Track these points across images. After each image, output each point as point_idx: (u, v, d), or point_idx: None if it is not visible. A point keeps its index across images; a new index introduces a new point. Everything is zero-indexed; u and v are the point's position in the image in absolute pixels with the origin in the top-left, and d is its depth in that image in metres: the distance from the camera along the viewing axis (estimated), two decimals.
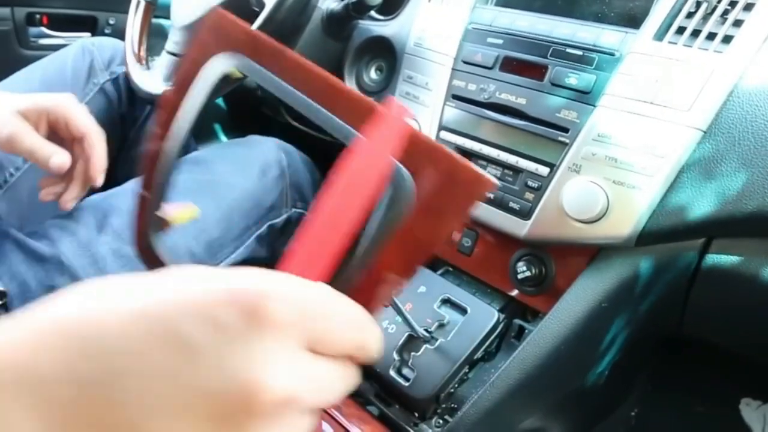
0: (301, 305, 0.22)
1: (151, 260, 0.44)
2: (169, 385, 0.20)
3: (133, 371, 0.20)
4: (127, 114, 0.90)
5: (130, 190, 0.71)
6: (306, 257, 0.27)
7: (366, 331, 0.25)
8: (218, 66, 0.37)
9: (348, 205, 0.28)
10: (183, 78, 0.38)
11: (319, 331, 0.23)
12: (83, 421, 0.20)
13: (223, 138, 1.38)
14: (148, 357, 0.20)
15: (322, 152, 0.98)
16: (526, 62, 0.62)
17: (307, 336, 0.22)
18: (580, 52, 0.58)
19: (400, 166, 0.29)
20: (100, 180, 0.65)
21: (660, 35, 0.55)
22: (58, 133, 0.63)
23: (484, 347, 0.64)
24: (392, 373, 0.64)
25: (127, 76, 0.84)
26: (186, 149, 0.94)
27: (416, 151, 0.29)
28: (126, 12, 0.89)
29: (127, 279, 0.24)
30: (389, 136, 0.29)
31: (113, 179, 0.91)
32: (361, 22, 0.84)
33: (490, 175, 0.40)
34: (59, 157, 0.60)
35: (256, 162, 0.78)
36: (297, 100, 0.35)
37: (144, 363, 0.20)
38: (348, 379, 0.25)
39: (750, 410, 0.91)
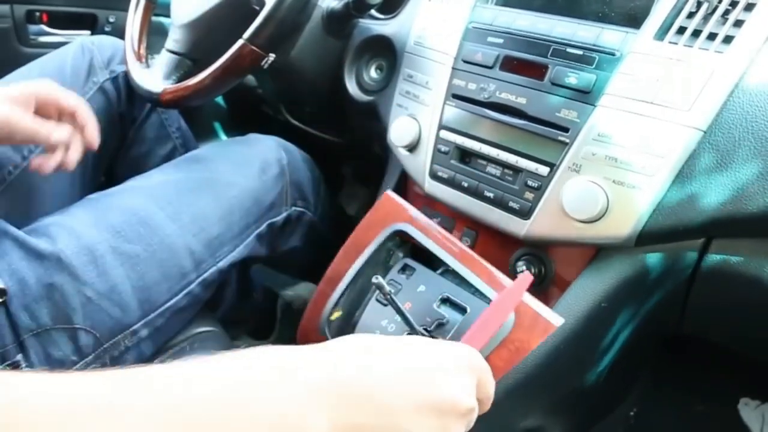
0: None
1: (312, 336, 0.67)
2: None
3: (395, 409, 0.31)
4: (126, 113, 0.90)
5: (129, 188, 0.71)
6: (478, 338, 0.48)
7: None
8: (390, 228, 0.65)
9: (493, 322, 0.50)
10: (357, 241, 0.67)
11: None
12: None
13: (224, 136, 1.38)
14: (417, 421, 0.32)
15: (322, 151, 0.98)
16: (527, 62, 0.61)
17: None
18: (580, 52, 0.58)
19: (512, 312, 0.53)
20: (96, 143, 0.69)
21: (661, 35, 0.54)
22: (45, 114, 0.66)
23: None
24: None
25: (126, 75, 0.84)
26: (187, 149, 0.94)
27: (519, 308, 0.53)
28: (126, 10, 0.88)
29: (383, 344, 0.34)
30: (511, 296, 0.52)
31: (113, 177, 0.91)
32: (361, 20, 0.83)
33: (554, 318, 0.52)
34: (60, 132, 0.64)
35: (256, 160, 0.78)
36: (445, 257, 0.61)
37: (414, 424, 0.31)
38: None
39: (749, 410, 0.91)
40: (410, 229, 0.64)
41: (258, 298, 0.94)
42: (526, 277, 0.54)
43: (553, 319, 0.52)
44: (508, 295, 0.52)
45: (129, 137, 0.91)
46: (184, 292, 0.65)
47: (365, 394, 0.30)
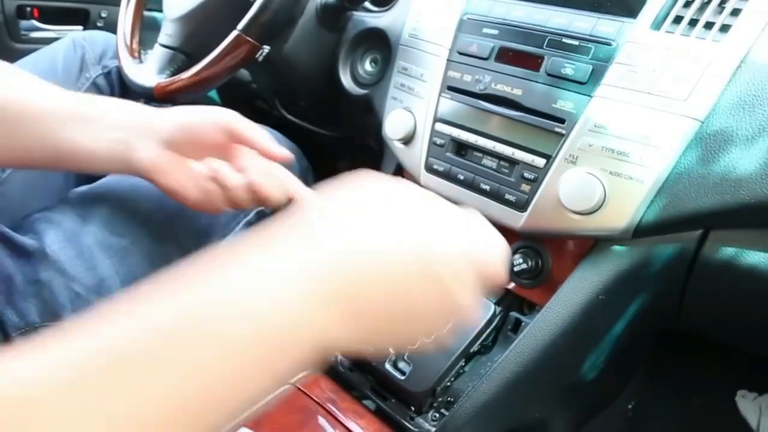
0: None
1: None
2: (428, 303, 0.33)
3: (409, 295, 0.32)
4: None
5: (114, 180, 0.70)
6: None
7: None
8: None
9: None
10: None
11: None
12: (372, 323, 0.32)
13: None
14: (419, 289, 0.32)
15: (317, 146, 0.98)
16: (522, 53, 0.61)
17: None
18: (576, 42, 0.58)
19: None
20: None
21: (657, 24, 0.54)
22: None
23: (480, 340, 0.64)
24: (388, 366, 0.64)
25: (119, 70, 0.83)
26: None
27: None
28: (118, 5, 0.88)
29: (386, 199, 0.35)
30: None
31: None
32: (355, 13, 0.83)
33: None
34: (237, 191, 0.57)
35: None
36: None
37: (415, 292, 0.32)
38: None
39: (746, 402, 0.91)
40: None
41: None
42: None
43: None
44: None
45: None
46: None
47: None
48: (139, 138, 0.57)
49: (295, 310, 0.28)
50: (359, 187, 0.35)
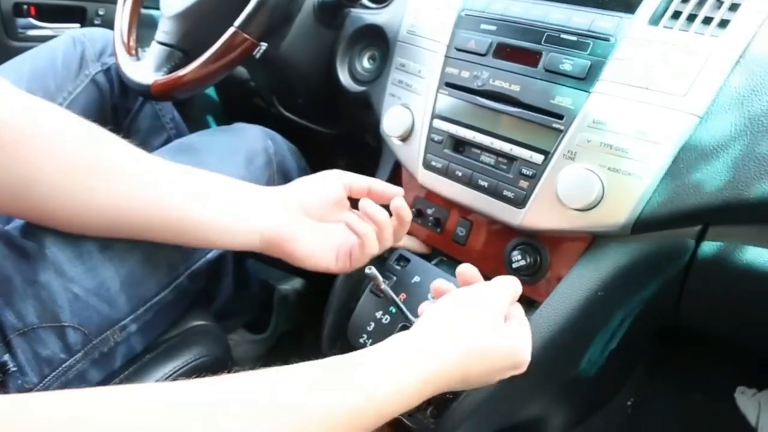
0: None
1: None
2: (481, 379, 0.50)
3: (474, 375, 0.49)
4: (119, 104, 0.89)
5: None
6: None
7: None
8: None
9: None
10: None
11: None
12: (449, 388, 0.47)
13: None
14: (478, 371, 0.49)
15: (315, 143, 0.98)
16: (520, 49, 0.61)
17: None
18: (574, 38, 0.57)
19: None
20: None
21: (655, 20, 0.54)
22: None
23: None
24: None
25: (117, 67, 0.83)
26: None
27: None
28: (115, 2, 0.88)
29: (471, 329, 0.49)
30: None
31: None
32: (353, 10, 0.83)
33: None
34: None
35: (242, 149, 0.77)
36: None
37: (477, 373, 0.49)
38: None
39: (745, 398, 0.91)
40: None
41: (254, 291, 0.94)
42: None
43: None
44: None
45: (123, 129, 0.90)
46: (173, 285, 0.64)
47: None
48: (264, 209, 0.60)
49: (408, 404, 0.44)
50: (458, 298, 0.52)
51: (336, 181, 0.62)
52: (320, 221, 0.62)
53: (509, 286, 0.54)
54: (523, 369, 0.52)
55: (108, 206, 0.55)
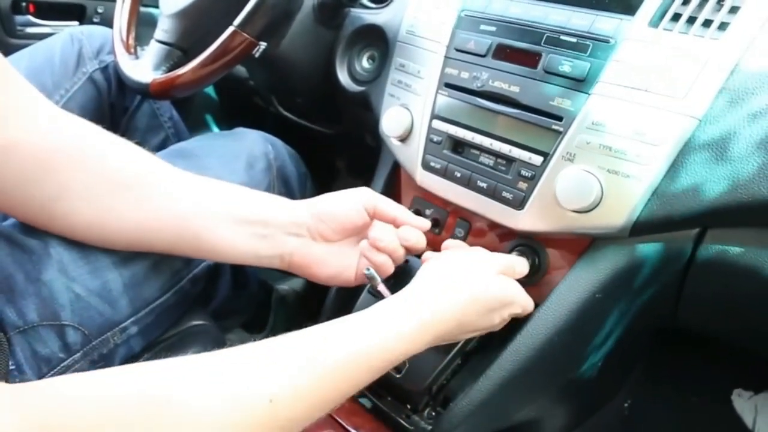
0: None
1: None
2: (479, 323, 0.55)
3: (470, 321, 0.53)
4: (117, 103, 0.89)
5: None
6: None
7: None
8: None
9: None
10: None
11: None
12: (449, 334, 0.53)
13: (215, 129, 1.36)
14: (474, 317, 0.53)
15: (315, 143, 0.98)
16: (520, 50, 0.61)
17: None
18: (574, 39, 0.57)
19: None
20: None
21: (655, 22, 0.54)
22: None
23: (476, 338, 0.63)
24: None
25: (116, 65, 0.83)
26: (179, 138, 0.93)
27: None
28: (114, 0, 0.87)
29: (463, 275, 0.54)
30: None
31: None
32: (352, 10, 0.83)
33: None
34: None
35: (243, 154, 0.77)
36: None
37: (473, 319, 0.53)
38: None
39: (742, 401, 0.91)
40: None
41: (252, 291, 0.93)
42: None
43: None
44: None
45: (121, 127, 0.90)
46: (175, 288, 0.64)
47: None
48: (290, 232, 0.61)
49: (410, 349, 0.49)
50: (449, 258, 0.57)
51: (359, 208, 0.62)
52: (341, 240, 0.64)
53: (508, 256, 0.60)
54: (527, 308, 0.58)
55: (134, 223, 0.56)
